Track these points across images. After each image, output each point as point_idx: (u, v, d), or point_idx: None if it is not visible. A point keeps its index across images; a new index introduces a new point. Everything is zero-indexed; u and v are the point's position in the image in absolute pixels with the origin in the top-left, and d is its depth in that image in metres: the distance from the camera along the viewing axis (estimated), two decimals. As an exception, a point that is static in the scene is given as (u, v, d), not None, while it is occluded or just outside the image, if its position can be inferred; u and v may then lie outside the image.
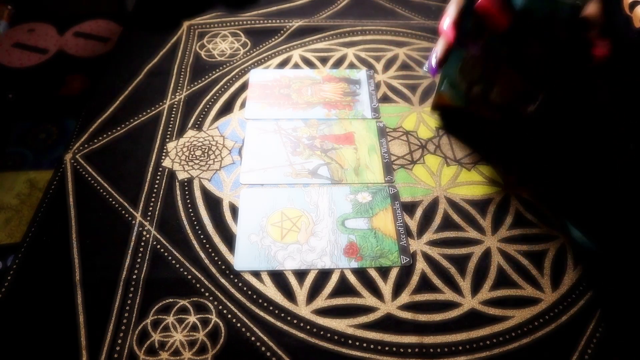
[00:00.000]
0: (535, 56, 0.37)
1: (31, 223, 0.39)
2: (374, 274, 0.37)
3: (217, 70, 0.53)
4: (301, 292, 0.36)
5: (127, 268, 0.37)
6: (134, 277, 0.36)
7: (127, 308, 0.35)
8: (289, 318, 0.35)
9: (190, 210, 0.40)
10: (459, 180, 0.43)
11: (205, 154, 0.45)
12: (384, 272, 0.37)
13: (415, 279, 0.37)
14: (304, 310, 0.35)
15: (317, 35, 0.57)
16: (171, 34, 0.57)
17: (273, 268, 0.37)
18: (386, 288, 0.36)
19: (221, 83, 0.51)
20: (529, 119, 0.40)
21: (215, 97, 0.50)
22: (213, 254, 0.38)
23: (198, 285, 0.36)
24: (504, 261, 0.38)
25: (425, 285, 0.37)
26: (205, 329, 0.34)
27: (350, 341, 0.34)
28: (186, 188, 0.42)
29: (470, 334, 0.34)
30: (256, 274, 0.37)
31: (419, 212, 0.41)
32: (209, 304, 0.35)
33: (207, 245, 0.38)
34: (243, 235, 0.39)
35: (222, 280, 0.36)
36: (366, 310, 0.35)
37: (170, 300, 0.35)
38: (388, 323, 0.35)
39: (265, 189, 0.42)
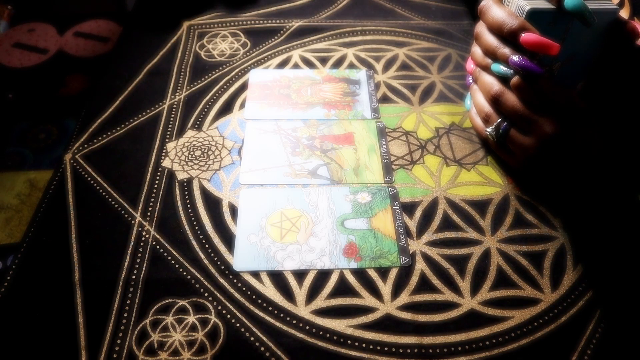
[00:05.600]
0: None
1: (31, 223, 0.39)
2: (373, 274, 0.37)
3: (217, 70, 0.53)
4: (300, 293, 0.36)
5: (126, 268, 0.37)
6: (133, 277, 0.36)
7: (127, 308, 0.35)
8: (288, 318, 0.35)
9: (190, 210, 0.40)
10: (458, 181, 0.43)
11: (205, 154, 0.45)
12: (383, 272, 0.37)
13: (414, 280, 0.37)
14: (303, 310, 0.35)
15: (317, 35, 0.57)
16: (171, 34, 0.57)
17: (272, 268, 0.37)
18: (385, 288, 0.36)
19: (221, 83, 0.51)
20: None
21: (215, 97, 0.50)
22: (212, 254, 0.38)
23: (197, 286, 0.36)
24: (504, 262, 0.38)
25: (424, 285, 0.37)
26: (205, 329, 0.34)
27: (349, 341, 0.34)
28: (186, 188, 0.42)
29: (469, 335, 0.34)
30: (255, 274, 0.37)
31: (418, 213, 0.41)
32: (208, 304, 0.35)
33: (207, 246, 0.38)
34: (242, 236, 0.39)
35: (222, 281, 0.36)
36: (365, 310, 0.35)
37: (170, 300, 0.35)
38: (387, 323, 0.35)
39: (264, 189, 0.42)
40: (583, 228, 0.40)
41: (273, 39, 0.56)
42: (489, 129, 0.41)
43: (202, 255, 0.38)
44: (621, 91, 0.41)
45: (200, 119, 0.48)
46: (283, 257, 0.38)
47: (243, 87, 0.51)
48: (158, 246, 0.38)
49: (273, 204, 0.41)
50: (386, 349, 0.34)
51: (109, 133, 0.46)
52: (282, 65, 0.53)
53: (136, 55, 0.54)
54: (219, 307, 0.35)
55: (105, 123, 0.47)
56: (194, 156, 0.44)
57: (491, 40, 0.39)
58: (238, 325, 0.34)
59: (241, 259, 0.38)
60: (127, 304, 0.35)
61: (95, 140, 0.46)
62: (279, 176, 0.43)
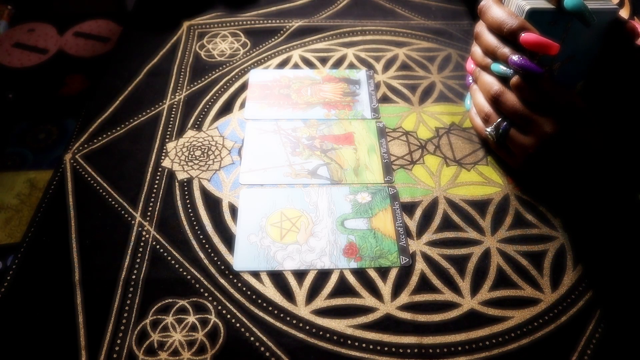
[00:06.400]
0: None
1: (31, 223, 0.39)
2: (373, 274, 0.37)
3: (217, 70, 0.53)
4: (300, 293, 0.36)
5: (126, 268, 0.37)
6: (134, 277, 0.36)
7: (127, 308, 0.35)
8: (288, 318, 0.35)
9: (190, 210, 0.40)
10: (458, 181, 0.43)
11: (205, 154, 0.45)
12: (383, 272, 0.37)
13: (414, 280, 0.37)
14: (303, 310, 0.35)
15: (317, 35, 0.57)
16: (171, 34, 0.57)
17: (272, 268, 0.37)
18: (385, 288, 0.36)
19: (221, 83, 0.51)
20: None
21: (215, 97, 0.50)
22: (212, 254, 0.38)
23: (197, 286, 0.36)
24: (504, 262, 0.38)
25: (424, 285, 0.37)
26: (205, 329, 0.34)
27: (349, 341, 0.34)
28: (186, 188, 0.42)
29: (469, 335, 0.34)
30: (255, 274, 0.37)
31: (418, 213, 0.41)
32: (208, 304, 0.35)
33: (207, 246, 0.38)
34: (242, 236, 0.39)
35: (222, 281, 0.36)
36: (365, 310, 0.35)
37: (170, 300, 0.35)
38: (387, 323, 0.35)
39: (264, 189, 0.42)
40: (583, 228, 0.40)
41: (273, 39, 0.56)
42: (489, 129, 0.41)
43: (202, 255, 0.38)
44: (621, 91, 0.41)
45: (200, 119, 0.48)
46: (283, 257, 0.38)
47: (243, 87, 0.51)
48: (158, 246, 0.38)
49: (273, 204, 0.41)
50: (386, 349, 0.34)
51: (109, 133, 0.46)
52: (282, 65, 0.53)
53: (136, 55, 0.54)
54: (219, 307, 0.35)
55: (105, 123, 0.47)
56: (194, 156, 0.44)
57: (491, 40, 0.39)
58: (238, 325, 0.34)
59: (241, 259, 0.38)
60: (127, 304, 0.35)
61: (95, 140, 0.46)
62: (279, 176, 0.43)
